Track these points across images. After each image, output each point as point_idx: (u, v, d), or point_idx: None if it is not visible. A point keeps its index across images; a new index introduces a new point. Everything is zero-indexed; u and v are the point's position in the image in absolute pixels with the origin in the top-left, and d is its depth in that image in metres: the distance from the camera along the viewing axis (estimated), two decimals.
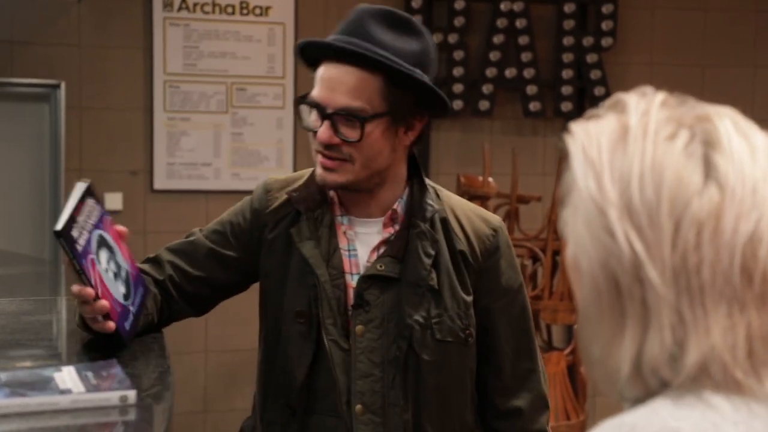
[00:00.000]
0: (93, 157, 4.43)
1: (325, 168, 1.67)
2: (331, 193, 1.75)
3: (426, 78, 1.66)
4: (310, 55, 1.71)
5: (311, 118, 1.69)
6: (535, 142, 4.77)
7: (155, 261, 1.80)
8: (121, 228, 1.65)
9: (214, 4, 4.48)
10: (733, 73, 4.87)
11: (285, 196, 1.76)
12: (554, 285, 3.97)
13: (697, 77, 4.87)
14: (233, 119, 4.52)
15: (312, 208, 1.73)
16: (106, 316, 1.57)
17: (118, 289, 1.60)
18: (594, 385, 4.57)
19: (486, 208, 4.05)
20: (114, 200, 4.43)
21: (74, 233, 1.50)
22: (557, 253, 3.99)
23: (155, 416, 1.32)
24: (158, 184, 4.47)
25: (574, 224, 0.86)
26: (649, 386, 0.82)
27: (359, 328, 1.68)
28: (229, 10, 4.48)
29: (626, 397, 0.85)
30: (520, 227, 4.04)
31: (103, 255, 1.59)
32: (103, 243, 1.59)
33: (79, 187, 1.54)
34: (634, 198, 0.81)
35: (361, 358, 1.67)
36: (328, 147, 1.65)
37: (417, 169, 1.78)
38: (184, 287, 1.78)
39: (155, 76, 4.44)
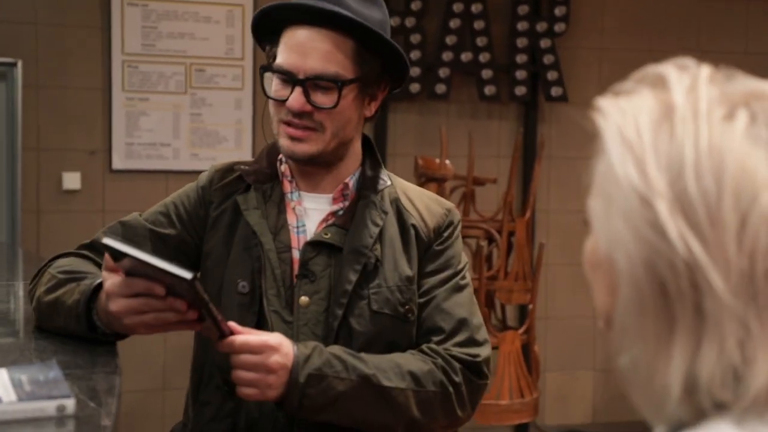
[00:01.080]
0: (51, 136, 4.17)
1: (293, 138, 1.52)
2: (283, 168, 1.62)
3: (393, 41, 1.53)
4: (272, 21, 1.54)
5: (275, 86, 1.53)
6: (490, 126, 4.60)
7: (93, 246, 1.64)
8: None
9: None
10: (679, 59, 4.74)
11: (235, 174, 1.64)
12: (509, 265, 3.82)
13: (645, 62, 4.71)
14: (192, 100, 4.28)
15: (262, 181, 1.60)
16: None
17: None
18: (545, 362, 4.45)
19: (443, 189, 3.91)
20: (72, 180, 4.18)
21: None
22: (512, 234, 3.84)
23: (97, 429, 1.12)
24: (117, 164, 4.22)
25: (606, 217, 0.70)
26: (700, 408, 0.67)
27: (304, 299, 1.53)
28: None
29: (669, 418, 0.70)
30: (476, 209, 3.89)
31: None
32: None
33: (114, 242, 1.31)
34: (690, 188, 0.66)
35: (303, 330, 1.51)
36: (298, 115, 1.50)
37: (371, 147, 1.66)
38: None
39: (113, 55, 4.18)
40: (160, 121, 4.25)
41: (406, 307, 1.56)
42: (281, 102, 1.51)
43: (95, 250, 1.63)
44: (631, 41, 4.71)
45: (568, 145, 4.64)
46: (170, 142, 4.27)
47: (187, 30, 4.25)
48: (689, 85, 0.71)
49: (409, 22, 4.39)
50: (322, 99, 1.50)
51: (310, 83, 1.49)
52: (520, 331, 3.77)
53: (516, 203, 4.35)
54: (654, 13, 4.75)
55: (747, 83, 0.71)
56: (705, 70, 0.72)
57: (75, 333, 1.49)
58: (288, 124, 1.52)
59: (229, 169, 1.65)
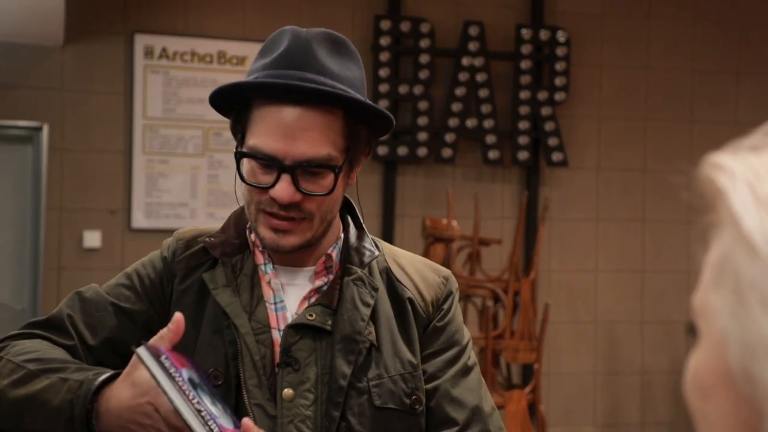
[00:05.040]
0: (73, 196, 3.82)
1: (278, 230, 1.14)
2: (253, 237, 1.21)
3: (381, 107, 1.15)
4: (236, 95, 1.15)
5: (253, 169, 1.13)
6: (494, 188, 4.23)
7: (52, 325, 1.21)
8: (176, 334, 1.08)
9: (192, 54, 3.90)
10: (673, 127, 4.39)
11: (199, 244, 1.23)
12: (515, 325, 3.41)
13: (640, 130, 4.38)
14: (209, 162, 3.93)
15: (229, 254, 1.19)
16: None
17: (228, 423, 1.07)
18: (549, 417, 4.02)
19: (450, 249, 3.54)
20: (93, 238, 3.81)
21: (199, 407, 1.01)
22: (517, 293, 3.44)
23: None
24: (136, 223, 3.85)
25: (737, 312, 0.42)
26: None
27: (288, 391, 1.14)
28: (207, 59, 3.91)
29: None
30: (482, 268, 3.49)
31: (205, 398, 1.06)
32: (193, 383, 1.06)
33: (146, 356, 1.02)
34: None
35: (289, 428, 1.13)
36: (284, 207, 1.12)
37: (352, 211, 1.27)
38: (94, 349, 1.19)
39: (135, 120, 3.84)
40: (178, 182, 3.89)
41: (413, 397, 1.19)
42: (263, 189, 1.13)
43: (56, 330, 1.20)
44: (627, 110, 4.37)
45: (568, 208, 4.27)
46: (188, 202, 3.91)
47: (205, 95, 3.88)
48: None
49: (417, 90, 4.06)
50: (314, 186, 1.12)
51: (300, 170, 1.11)
52: (526, 390, 3.35)
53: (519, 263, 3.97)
54: (648, 84, 4.41)
55: None
56: None
57: None
58: (271, 214, 1.14)
59: (194, 238, 1.25)
